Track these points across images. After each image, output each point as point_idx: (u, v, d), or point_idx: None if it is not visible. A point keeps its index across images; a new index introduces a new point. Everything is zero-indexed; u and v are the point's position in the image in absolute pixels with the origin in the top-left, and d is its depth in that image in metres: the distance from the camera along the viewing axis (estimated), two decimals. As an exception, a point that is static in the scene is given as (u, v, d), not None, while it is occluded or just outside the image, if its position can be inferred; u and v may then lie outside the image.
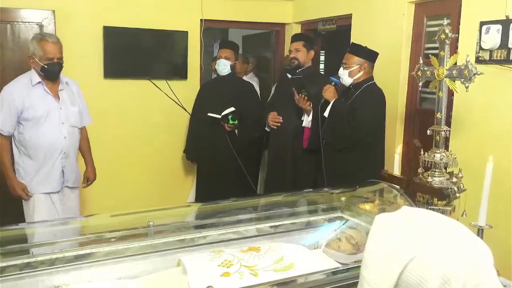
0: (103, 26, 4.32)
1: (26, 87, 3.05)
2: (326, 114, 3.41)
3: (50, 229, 2.13)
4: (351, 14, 4.16)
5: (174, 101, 4.74)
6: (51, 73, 3.06)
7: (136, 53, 4.49)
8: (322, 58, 5.83)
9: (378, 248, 1.02)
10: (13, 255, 1.80)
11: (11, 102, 3.01)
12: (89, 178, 3.47)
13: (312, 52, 3.98)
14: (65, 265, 1.82)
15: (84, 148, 3.43)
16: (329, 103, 3.40)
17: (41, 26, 4.03)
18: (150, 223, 2.05)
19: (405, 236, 0.98)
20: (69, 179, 3.23)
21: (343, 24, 4.40)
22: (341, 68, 3.39)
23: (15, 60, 4.02)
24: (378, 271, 0.99)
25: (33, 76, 3.07)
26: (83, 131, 3.39)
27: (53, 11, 4.06)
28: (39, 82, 3.06)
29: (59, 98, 3.12)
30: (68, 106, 3.16)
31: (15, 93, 3.02)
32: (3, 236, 1.97)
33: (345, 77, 3.36)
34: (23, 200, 3.16)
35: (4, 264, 1.75)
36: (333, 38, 5.09)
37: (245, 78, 4.93)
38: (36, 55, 3.02)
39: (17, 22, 4.00)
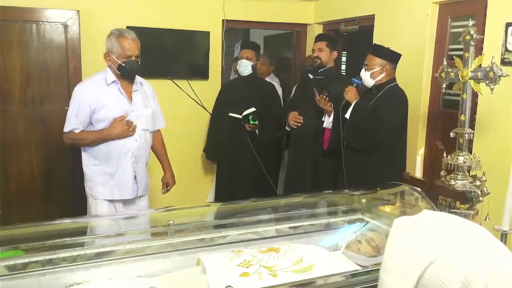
0: (126, 26, 4.35)
1: (101, 86, 2.88)
2: (347, 115, 3.38)
3: (71, 226, 2.15)
4: (374, 14, 4.13)
5: (195, 101, 4.76)
6: (129, 72, 2.88)
7: (158, 53, 4.52)
8: (343, 59, 5.80)
9: (397, 252, 1.01)
10: (35, 252, 1.83)
11: (84, 101, 2.85)
12: (168, 183, 3.30)
13: (335, 53, 3.97)
14: (86, 262, 1.84)
15: (161, 152, 3.29)
16: (350, 104, 3.38)
17: (65, 26, 4.10)
18: (170, 222, 2.07)
19: (425, 240, 0.97)
20: (141, 187, 3.05)
21: (365, 25, 4.36)
22: (363, 70, 3.36)
23: (40, 60, 4.10)
24: (398, 274, 0.98)
25: (108, 74, 2.90)
26: (157, 135, 3.25)
27: (78, 11, 4.12)
28: (113, 81, 2.89)
29: (131, 100, 2.94)
30: (140, 108, 2.97)
31: (88, 91, 2.87)
32: (26, 233, 2.01)
33: (367, 78, 3.33)
34: (87, 205, 3.05)
35: (26, 260, 1.78)
36: (355, 38, 5.06)
37: (266, 79, 4.93)
38: (114, 52, 2.85)
39: (42, 22, 4.06)
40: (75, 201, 4.33)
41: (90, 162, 2.98)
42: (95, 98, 2.84)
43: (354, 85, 3.42)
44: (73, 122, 2.88)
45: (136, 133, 2.94)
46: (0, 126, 4.05)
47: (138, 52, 2.89)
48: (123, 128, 2.86)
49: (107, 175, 2.95)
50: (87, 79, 2.95)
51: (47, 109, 4.17)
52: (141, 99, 3.00)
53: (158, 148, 3.27)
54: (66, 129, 2.91)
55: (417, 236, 0.99)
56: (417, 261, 0.96)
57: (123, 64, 2.83)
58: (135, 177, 2.99)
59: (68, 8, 4.11)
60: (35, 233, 2.01)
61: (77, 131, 2.89)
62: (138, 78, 3.00)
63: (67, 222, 2.20)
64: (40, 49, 4.09)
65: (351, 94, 3.39)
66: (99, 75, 2.93)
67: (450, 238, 0.96)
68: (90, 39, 4.25)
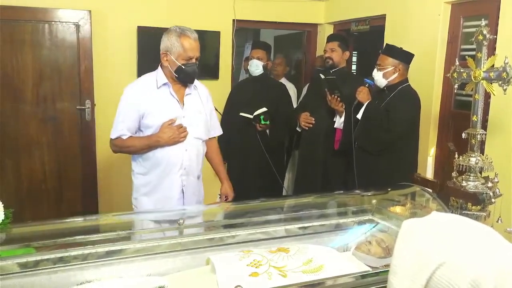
0: (137, 26, 4.39)
1: (151, 89, 2.61)
2: (359, 116, 3.36)
3: (82, 224, 2.17)
4: (385, 14, 4.11)
5: (206, 101, 4.76)
6: (189, 75, 2.62)
7: (169, 53, 4.53)
8: (354, 59, 5.78)
9: (406, 254, 1.00)
10: (46, 250, 1.84)
11: (132, 105, 2.59)
12: (227, 194, 2.96)
13: (347, 53, 3.95)
14: (96, 260, 1.85)
15: (217, 162, 2.97)
16: (362, 105, 3.36)
17: (77, 25, 4.13)
18: (180, 221, 2.07)
19: (434, 242, 0.97)
20: (190, 202, 2.74)
21: (376, 25, 4.34)
22: (375, 70, 3.34)
23: (52, 59, 4.14)
24: (406, 277, 0.98)
25: (159, 76, 2.64)
26: (213, 143, 2.95)
27: (89, 11, 4.15)
28: (165, 84, 2.62)
29: (183, 104, 2.67)
30: (193, 114, 2.68)
31: (138, 94, 2.60)
32: (37, 231, 2.02)
33: (380, 78, 3.30)
34: None
35: (37, 258, 1.79)
36: (365, 39, 5.04)
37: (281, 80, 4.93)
38: (173, 52, 2.57)
39: (54, 22, 4.10)
40: (86, 199, 4.38)
41: (137, 170, 2.73)
42: (143, 102, 2.59)
43: (366, 85, 3.40)
44: (120, 128, 2.61)
45: (187, 142, 2.65)
46: (13, 125, 4.09)
47: (199, 53, 2.64)
48: (174, 134, 2.58)
49: (152, 186, 2.69)
50: (135, 81, 2.72)
51: (59, 108, 4.21)
52: (194, 104, 2.71)
53: (213, 157, 2.95)
54: (113, 135, 2.65)
55: (425, 238, 0.99)
56: (426, 263, 0.95)
57: (183, 67, 2.58)
58: (182, 191, 2.71)
59: (80, 8, 4.15)
60: (46, 231, 2.03)
61: (124, 137, 2.62)
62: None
63: (78, 221, 2.22)
64: (52, 49, 4.13)
65: (363, 95, 3.37)
66: (149, 77, 2.68)
67: (459, 240, 0.96)
68: (101, 39, 4.28)
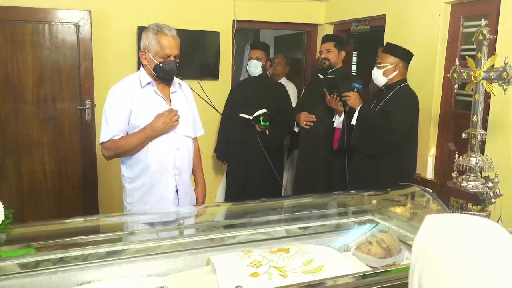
0: (137, 27, 4.39)
1: (135, 89, 2.56)
2: (353, 122, 3.33)
3: (83, 225, 2.17)
4: (385, 14, 4.11)
5: (206, 101, 4.77)
6: (166, 73, 2.54)
7: (169, 53, 4.53)
8: (354, 59, 5.78)
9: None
10: (47, 250, 1.84)
11: (121, 104, 2.53)
12: (198, 198, 2.86)
13: (343, 53, 3.95)
14: (96, 261, 1.85)
15: (195, 163, 2.84)
16: (355, 110, 3.34)
17: (77, 26, 4.13)
18: (181, 221, 2.08)
19: (450, 258, 0.90)
20: (183, 203, 2.69)
21: (376, 25, 4.34)
22: (375, 68, 3.33)
23: (53, 59, 4.14)
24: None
25: (142, 75, 2.58)
26: (195, 144, 2.84)
27: (89, 11, 4.15)
28: (149, 83, 2.57)
29: (170, 102, 2.62)
30: (181, 112, 2.61)
31: (124, 94, 2.54)
32: (37, 232, 2.02)
33: (379, 76, 3.29)
34: None
35: (38, 259, 1.79)
36: (365, 39, 5.04)
37: (281, 81, 4.93)
38: (151, 50, 2.52)
39: (54, 22, 4.10)
40: (86, 199, 4.38)
41: (128, 175, 2.66)
42: (130, 102, 2.53)
43: (355, 90, 3.38)
44: (111, 128, 2.52)
45: (177, 141, 2.61)
46: (13, 125, 4.09)
47: (178, 51, 2.56)
48: (166, 119, 2.51)
49: (146, 189, 2.62)
50: (120, 81, 2.63)
51: (59, 108, 4.21)
52: (180, 102, 2.67)
53: (193, 158, 2.82)
54: (105, 138, 2.54)
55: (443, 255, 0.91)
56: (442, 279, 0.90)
57: (161, 65, 2.52)
58: (176, 192, 2.67)
59: (80, 9, 4.15)
60: (46, 231, 2.03)
61: (117, 137, 2.53)
62: (175, 79, 2.68)
63: (78, 221, 2.22)
64: (53, 49, 4.13)
65: (353, 100, 3.33)
66: (133, 77, 2.63)
67: (478, 257, 0.88)
68: (101, 39, 4.29)
